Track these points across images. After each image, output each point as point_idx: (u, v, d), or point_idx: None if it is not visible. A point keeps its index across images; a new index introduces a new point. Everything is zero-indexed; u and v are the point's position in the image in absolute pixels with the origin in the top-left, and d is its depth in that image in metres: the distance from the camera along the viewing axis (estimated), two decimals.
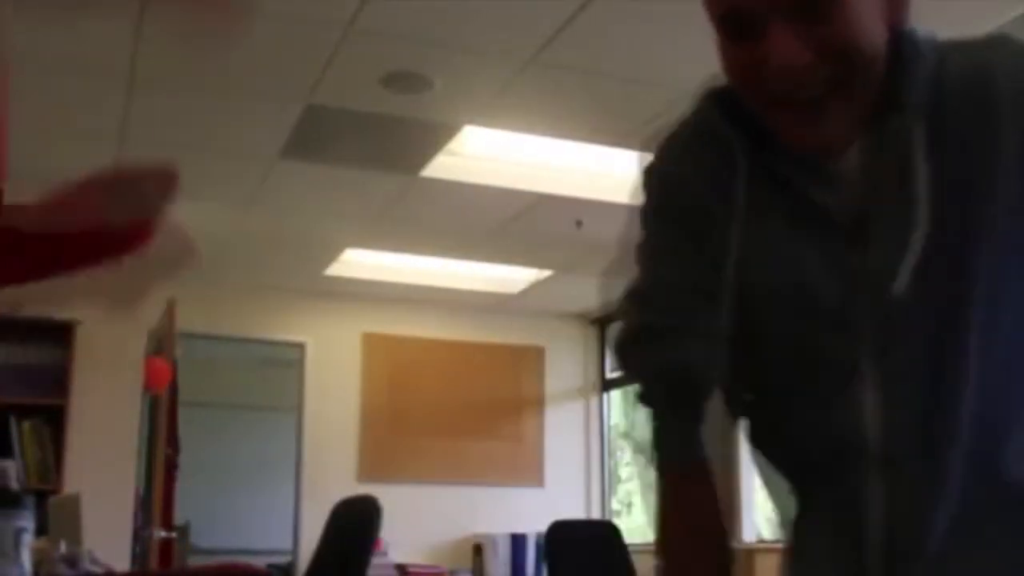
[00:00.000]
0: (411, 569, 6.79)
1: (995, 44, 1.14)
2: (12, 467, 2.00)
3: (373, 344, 7.45)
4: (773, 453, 1.21)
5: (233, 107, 4.53)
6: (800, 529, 1.20)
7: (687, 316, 1.16)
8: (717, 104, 1.17)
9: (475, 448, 7.43)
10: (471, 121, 4.65)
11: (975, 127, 1.07)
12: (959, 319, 1.04)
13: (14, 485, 2.01)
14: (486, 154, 5.05)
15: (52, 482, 4.82)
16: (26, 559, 1.85)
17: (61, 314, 5.02)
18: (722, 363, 1.16)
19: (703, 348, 1.15)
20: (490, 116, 4.59)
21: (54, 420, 4.92)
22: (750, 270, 1.13)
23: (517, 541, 7.07)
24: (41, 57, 4.08)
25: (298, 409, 7.29)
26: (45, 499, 3.29)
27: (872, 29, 1.06)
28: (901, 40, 1.11)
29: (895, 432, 1.05)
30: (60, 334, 5.04)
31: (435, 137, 4.83)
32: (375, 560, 3.80)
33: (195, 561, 6.48)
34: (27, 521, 1.86)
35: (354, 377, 7.39)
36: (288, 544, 7.02)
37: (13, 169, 4.97)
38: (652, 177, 1.24)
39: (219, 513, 7.19)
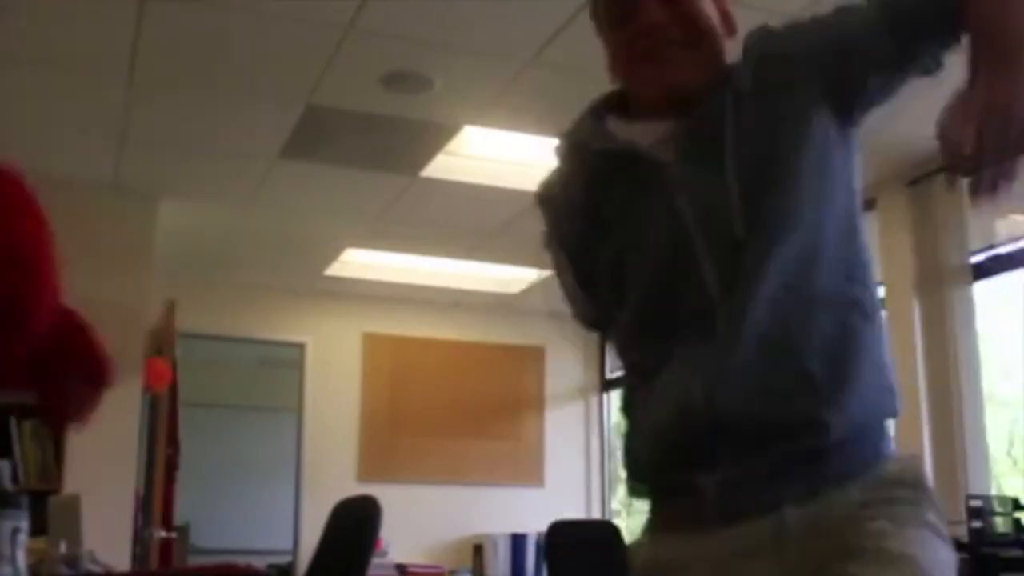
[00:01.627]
0: (411, 569, 6.79)
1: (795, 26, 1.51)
2: (5, 467, 1.99)
3: (373, 344, 7.45)
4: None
5: (233, 107, 4.54)
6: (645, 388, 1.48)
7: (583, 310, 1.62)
8: (587, 113, 1.59)
9: (475, 448, 7.43)
10: (471, 121, 4.65)
11: (777, 94, 1.42)
12: (764, 241, 1.37)
13: (7, 485, 2.00)
14: (486, 154, 5.05)
15: (52, 482, 4.81)
16: (21, 559, 1.85)
17: None
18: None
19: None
20: (490, 116, 4.59)
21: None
22: (625, 236, 1.47)
23: (517, 541, 7.07)
24: (41, 56, 4.08)
25: (298, 409, 7.29)
26: (45, 499, 3.29)
27: (711, 15, 1.49)
28: (732, 32, 1.53)
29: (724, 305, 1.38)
30: None
31: (435, 137, 4.83)
32: (375, 560, 3.80)
33: (195, 561, 6.47)
34: (22, 521, 1.86)
35: (354, 377, 7.39)
36: (288, 544, 7.02)
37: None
38: (539, 206, 1.68)
39: (219, 513, 7.19)
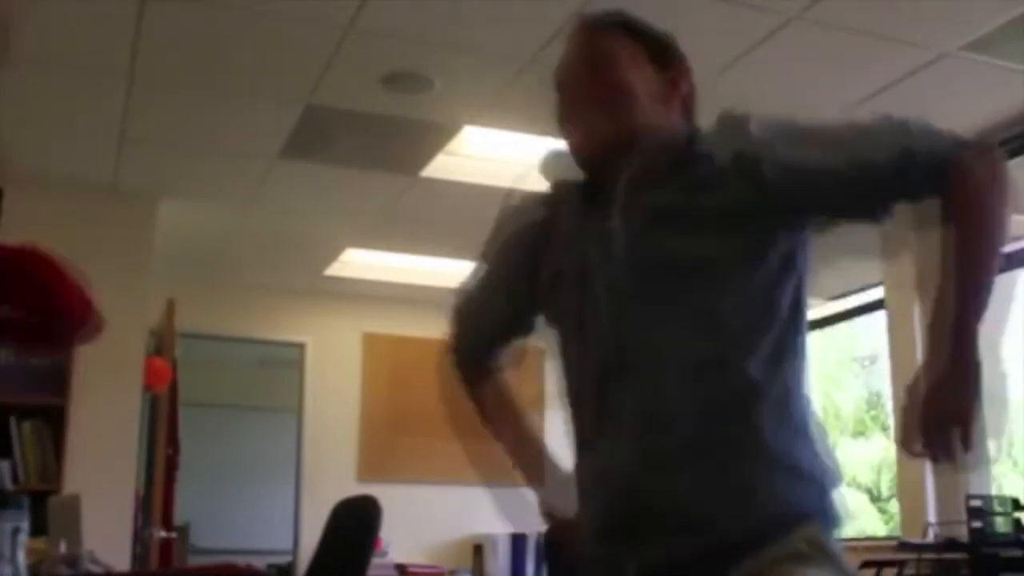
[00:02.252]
0: (411, 569, 6.79)
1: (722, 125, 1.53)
2: (5, 467, 1.99)
3: (373, 344, 7.45)
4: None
5: (233, 107, 4.53)
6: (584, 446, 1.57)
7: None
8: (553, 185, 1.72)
9: (475, 448, 7.43)
10: (471, 121, 4.65)
11: (699, 171, 1.47)
12: (645, 301, 1.45)
13: (7, 485, 2.01)
14: (486, 154, 5.05)
15: (52, 482, 4.81)
16: (21, 559, 1.85)
17: None
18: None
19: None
20: (490, 116, 4.59)
21: (54, 420, 4.91)
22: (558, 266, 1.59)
23: (517, 541, 7.07)
24: (41, 57, 4.08)
25: (298, 409, 7.28)
26: (45, 499, 3.29)
27: (637, 84, 1.56)
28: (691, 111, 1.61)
29: (619, 362, 1.47)
30: None
31: (435, 137, 4.83)
32: (375, 560, 3.79)
33: (195, 561, 6.47)
34: (22, 521, 1.86)
35: (354, 377, 7.39)
36: (288, 544, 7.02)
37: (13, 169, 5.02)
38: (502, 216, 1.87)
39: (219, 513, 7.18)
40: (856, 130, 1.45)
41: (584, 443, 1.56)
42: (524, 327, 1.88)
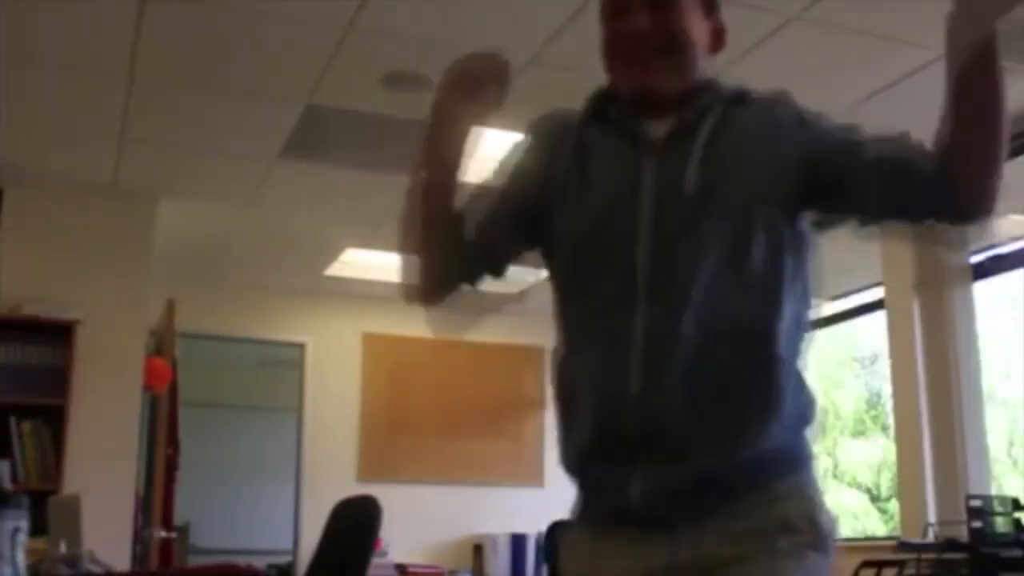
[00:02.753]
0: (411, 569, 6.79)
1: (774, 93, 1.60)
2: (5, 467, 1.99)
3: (373, 344, 7.45)
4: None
5: (233, 107, 4.53)
6: (575, 359, 1.55)
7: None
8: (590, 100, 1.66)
9: (475, 448, 7.43)
10: None
11: (758, 124, 1.53)
12: (705, 227, 1.46)
13: (7, 485, 2.01)
14: (486, 154, 5.05)
15: (52, 482, 4.81)
16: (21, 559, 1.85)
17: (62, 314, 5.02)
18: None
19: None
20: (490, 116, 4.58)
21: (54, 420, 4.91)
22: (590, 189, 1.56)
23: (517, 541, 7.07)
24: (41, 56, 4.08)
25: (298, 409, 7.28)
26: (45, 499, 3.29)
27: (696, 32, 1.57)
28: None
29: (654, 284, 1.46)
30: (60, 334, 5.02)
31: None
32: (375, 560, 3.80)
33: (195, 561, 6.47)
34: (21, 521, 1.86)
35: (354, 377, 7.39)
36: (288, 544, 7.02)
37: (13, 169, 5.02)
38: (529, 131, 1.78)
39: (219, 513, 7.19)
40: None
41: (577, 347, 1.55)
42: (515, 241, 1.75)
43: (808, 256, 1.54)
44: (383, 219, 5.94)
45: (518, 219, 1.68)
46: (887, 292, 5.22)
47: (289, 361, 7.36)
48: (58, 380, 4.95)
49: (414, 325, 8.45)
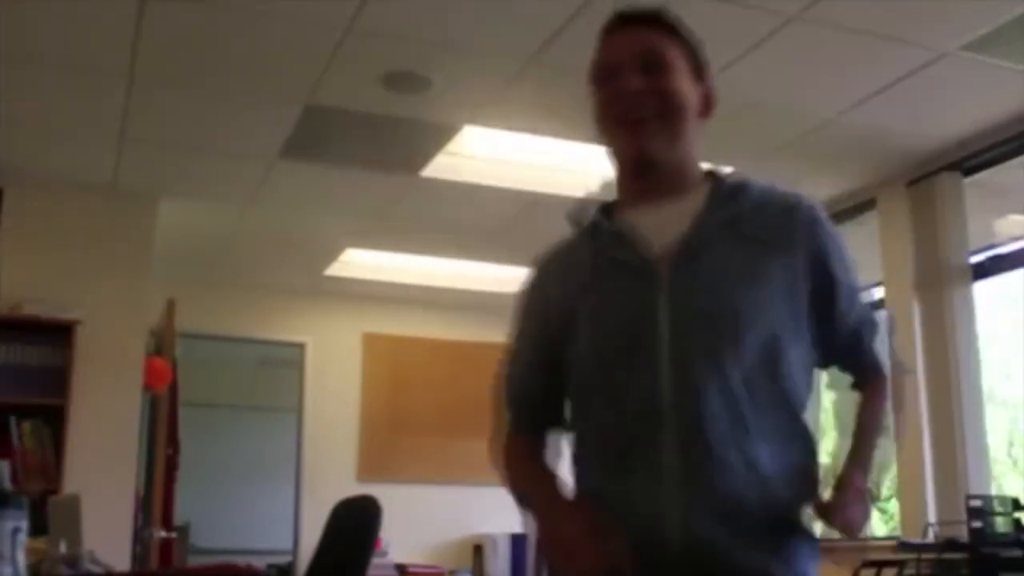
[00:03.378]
0: (411, 569, 6.79)
1: (793, 195, 1.57)
2: (5, 467, 1.99)
3: (373, 344, 7.45)
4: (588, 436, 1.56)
5: (233, 107, 4.53)
6: (607, 488, 1.49)
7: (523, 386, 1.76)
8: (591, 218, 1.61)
9: (475, 448, 7.40)
10: (471, 121, 4.65)
11: (770, 230, 1.50)
12: (719, 346, 1.43)
13: (7, 485, 2.00)
14: (486, 154, 5.05)
15: (52, 482, 4.81)
16: (21, 559, 1.85)
17: (62, 314, 5.03)
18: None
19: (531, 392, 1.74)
20: (490, 116, 4.59)
21: (54, 420, 4.91)
22: (597, 314, 1.52)
23: (517, 541, 7.07)
24: (41, 56, 4.08)
25: (298, 409, 7.29)
26: (45, 499, 3.29)
27: (689, 96, 1.55)
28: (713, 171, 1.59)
29: (681, 405, 1.43)
30: (60, 334, 5.02)
31: (435, 137, 4.83)
32: (375, 560, 3.79)
33: (195, 561, 6.47)
34: (21, 521, 1.86)
35: (354, 377, 7.39)
36: (288, 544, 7.02)
37: (13, 169, 5.03)
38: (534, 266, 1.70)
39: (219, 513, 7.18)
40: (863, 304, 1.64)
41: (603, 479, 1.50)
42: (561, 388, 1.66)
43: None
44: (383, 219, 5.95)
45: (552, 376, 1.63)
46: (887, 292, 5.22)
47: (289, 361, 7.36)
48: (58, 380, 4.95)
49: (414, 325, 8.51)
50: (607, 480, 1.47)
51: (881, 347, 1.65)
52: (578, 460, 1.57)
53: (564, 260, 1.63)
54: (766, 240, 1.50)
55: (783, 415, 1.47)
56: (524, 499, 1.64)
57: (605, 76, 1.57)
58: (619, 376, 1.47)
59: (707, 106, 1.59)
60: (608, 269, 1.53)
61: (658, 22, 1.57)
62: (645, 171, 1.55)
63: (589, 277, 1.55)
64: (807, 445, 1.50)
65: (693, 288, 1.46)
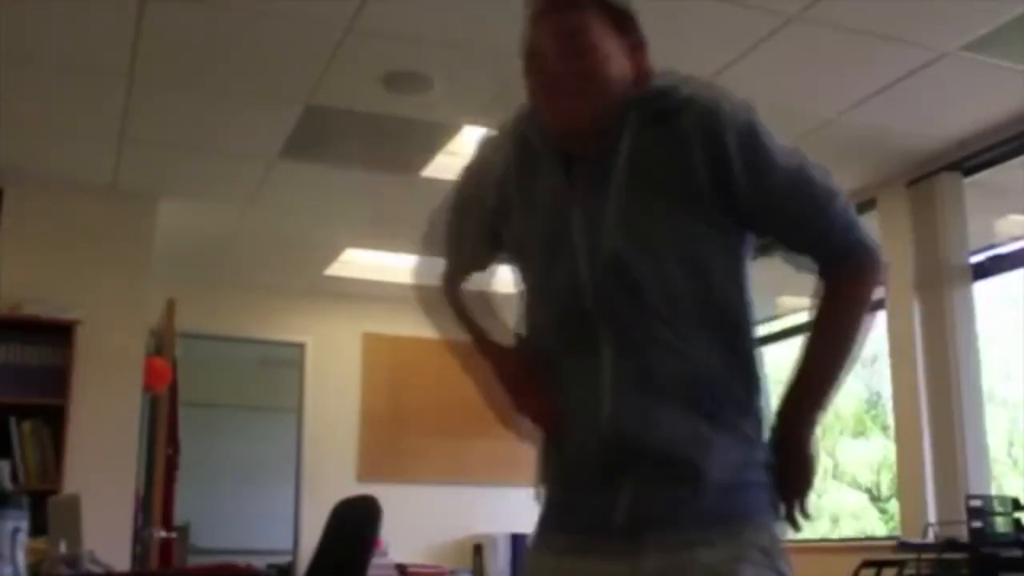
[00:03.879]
0: (411, 569, 6.79)
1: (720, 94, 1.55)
2: (5, 467, 1.99)
3: (373, 344, 7.45)
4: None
5: (233, 107, 4.53)
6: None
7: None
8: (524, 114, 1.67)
9: (475, 448, 7.42)
10: (471, 121, 4.65)
11: (693, 136, 1.49)
12: (636, 245, 1.48)
13: (7, 485, 2.00)
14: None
15: (52, 482, 4.81)
16: (21, 559, 1.85)
17: (62, 314, 5.03)
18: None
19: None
20: (490, 116, 4.58)
21: (54, 420, 4.91)
22: (525, 217, 1.61)
23: (517, 541, 7.07)
24: (41, 57, 4.08)
25: (298, 409, 7.29)
26: (45, 499, 3.29)
27: (612, 65, 1.54)
28: (646, 79, 1.58)
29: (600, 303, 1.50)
30: (60, 334, 5.02)
31: (435, 137, 4.83)
32: (375, 560, 3.79)
33: (195, 561, 6.47)
34: (21, 521, 1.86)
35: (354, 377, 7.39)
36: (288, 544, 7.02)
37: (13, 169, 5.02)
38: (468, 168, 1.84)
39: (219, 513, 7.18)
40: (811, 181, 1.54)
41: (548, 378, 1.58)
42: (488, 262, 1.87)
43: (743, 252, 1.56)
44: (383, 219, 5.95)
45: (488, 236, 1.75)
46: (887, 292, 5.22)
47: (289, 361, 7.36)
48: (58, 380, 4.95)
49: (414, 325, 8.48)
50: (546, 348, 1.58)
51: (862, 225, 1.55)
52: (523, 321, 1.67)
53: (506, 149, 1.71)
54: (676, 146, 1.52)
55: (710, 309, 1.48)
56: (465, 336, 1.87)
57: (532, 51, 1.62)
58: (542, 276, 1.58)
59: (639, 54, 1.59)
60: (537, 174, 1.61)
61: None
62: (570, 139, 1.58)
63: (516, 177, 1.65)
64: (736, 332, 1.50)
65: (599, 211, 1.51)
